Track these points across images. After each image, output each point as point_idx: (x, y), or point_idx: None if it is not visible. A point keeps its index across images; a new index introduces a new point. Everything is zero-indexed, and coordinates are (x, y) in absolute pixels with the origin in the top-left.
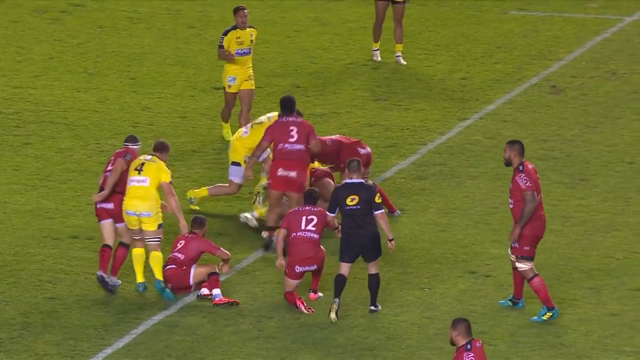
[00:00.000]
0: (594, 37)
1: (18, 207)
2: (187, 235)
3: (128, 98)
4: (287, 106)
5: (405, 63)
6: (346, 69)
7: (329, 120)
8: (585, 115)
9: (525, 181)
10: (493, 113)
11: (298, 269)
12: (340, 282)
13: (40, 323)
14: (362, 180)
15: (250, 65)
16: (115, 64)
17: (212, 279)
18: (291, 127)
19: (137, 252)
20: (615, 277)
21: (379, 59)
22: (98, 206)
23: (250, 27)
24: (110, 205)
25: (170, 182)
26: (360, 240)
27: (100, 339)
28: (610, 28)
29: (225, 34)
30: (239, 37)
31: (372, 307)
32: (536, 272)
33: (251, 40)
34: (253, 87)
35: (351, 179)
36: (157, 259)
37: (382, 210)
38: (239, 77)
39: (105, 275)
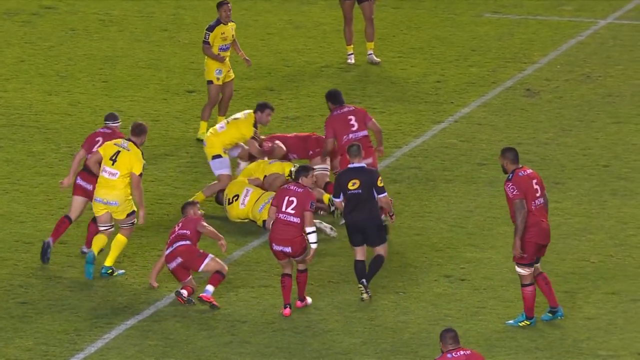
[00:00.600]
0: (569, 40)
1: None
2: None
3: (100, 101)
4: (337, 99)
5: (379, 60)
6: (320, 71)
7: (303, 123)
8: (560, 119)
9: (512, 190)
10: (468, 116)
11: (274, 247)
12: (358, 267)
13: (11, 328)
14: (364, 165)
15: (228, 56)
16: (87, 67)
17: (215, 276)
18: (349, 117)
19: (118, 239)
20: (590, 281)
21: (353, 61)
22: (77, 181)
23: (231, 21)
24: (89, 186)
25: (141, 174)
26: (361, 224)
27: (72, 343)
28: (585, 31)
29: (211, 29)
30: (224, 33)
31: (364, 285)
32: (533, 282)
33: (232, 35)
34: (233, 76)
35: (353, 163)
36: (119, 244)
37: (385, 194)
38: (224, 69)
39: (52, 244)
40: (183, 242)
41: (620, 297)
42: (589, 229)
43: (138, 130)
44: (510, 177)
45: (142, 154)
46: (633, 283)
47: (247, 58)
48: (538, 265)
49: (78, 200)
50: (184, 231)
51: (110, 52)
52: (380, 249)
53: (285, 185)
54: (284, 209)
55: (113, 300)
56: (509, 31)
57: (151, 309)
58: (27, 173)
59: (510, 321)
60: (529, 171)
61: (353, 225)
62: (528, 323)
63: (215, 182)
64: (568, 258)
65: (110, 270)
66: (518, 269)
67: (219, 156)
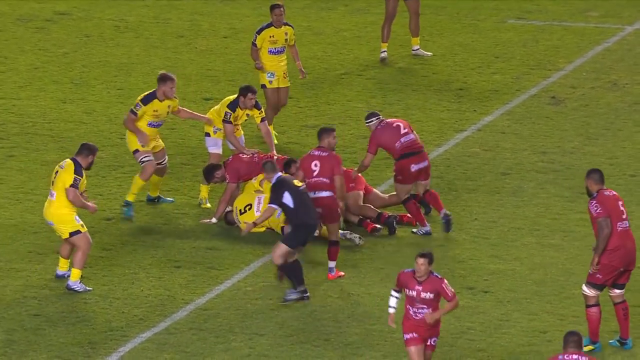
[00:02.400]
0: (595, 47)
1: (2, 221)
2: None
3: (115, 109)
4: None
5: (430, 53)
6: (340, 79)
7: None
8: (586, 127)
9: (595, 208)
10: (491, 124)
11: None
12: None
13: (24, 341)
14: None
15: (286, 62)
16: (101, 74)
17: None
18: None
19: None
20: None
21: (386, 57)
22: None
23: (286, 24)
24: None
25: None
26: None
27: (86, 357)
28: (611, 37)
29: (259, 32)
30: (273, 36)
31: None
32: (598, 303)
33: (285, 39)
34: (288, 84)
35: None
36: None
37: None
38: (277, 72)
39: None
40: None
41: None
42: None
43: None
44: (594, 195)
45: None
46: None
47: (302, 69)
48: (622, 292)
49: None
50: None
51: (126, 59)
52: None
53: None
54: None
55: (128, 313)
56: (533, 37)
57: (167, 322)
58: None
59: None
60: (614, 193)
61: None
62: (592, 348)
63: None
64: None
65: (125, 204)
66: (584, 288)
67: (208, 135)
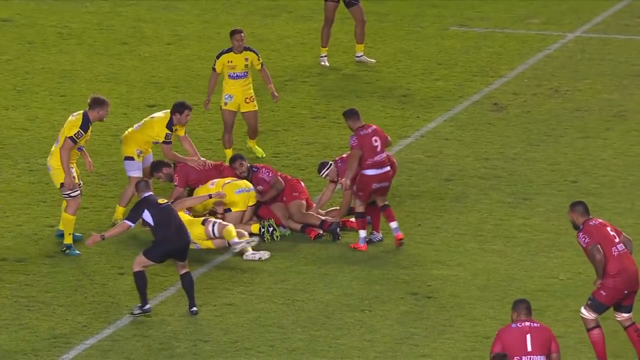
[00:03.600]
0: (536, 54)
1: None
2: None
3: (58, 116)
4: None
5: (373, 60)
6: (284, 85)
7: (267, 138)
8: (528, 133)
9: (583, 239)
10: (434, 131)
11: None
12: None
13: None
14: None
15: (249, 87)
16: (45, 81)
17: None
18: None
19: (62, 216)
20: (559, 299)
21: (327, 64)
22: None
23: (247, 49)
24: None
25: (73, 137)
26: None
27: None
28: (553, 44)
29: (218, 56)
30: (231, 62)
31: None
32: (598, 324)
33: (246, 65)
34: (255, 109)
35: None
36: (64, 221)
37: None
38: (236, 96)
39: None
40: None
41: None
42: (557, 246)
43: (90, 102)
44: (581, 227)
45: (85, 122)
46: None
47: (274, 93)
48: (630, 315)
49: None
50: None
51: (69, 66)
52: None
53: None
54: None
55: (72, 320)
56: (475, 44)
57: (111, 329)
58: None
59: None
60: (600, 220)
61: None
62: None
63: (128, 186)
64: (536, 275)
65: (65, 248)
66: (583, 311)
67: (131, 158)
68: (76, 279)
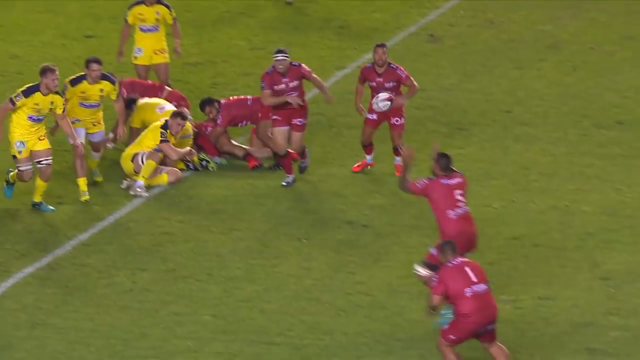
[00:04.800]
0: None
1: None
2: None
3: None
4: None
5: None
6: (222, 17)
7: (205, 69)
8: (463, 64)
9: (421, 184)
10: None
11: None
12: None
13: None
14: None
15: (162, 39)
16: None
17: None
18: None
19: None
20: (492, 226)
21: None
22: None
23: (159, 2)
24: None
25: (12, 97)
26: None
27: None
28: None
29: (130, 7)
30: (142, 14)
31: None
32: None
33: (157, 19)
34: (166, 61)
35: None
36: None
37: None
38: (145, 49)
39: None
40: None
41: (522, 242)
42: (491, 175)
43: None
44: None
45: (30, 89)
46: (534, 228)
47: (178, 49)
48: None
49: None
50: None
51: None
52: None
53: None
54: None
55: (10, 248)
56: None
57: (49, 257)
58: None
59: (439, 320)
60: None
61: None
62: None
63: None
64: (471, 204)
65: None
66: (417, 268)
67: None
68: (14, 207)
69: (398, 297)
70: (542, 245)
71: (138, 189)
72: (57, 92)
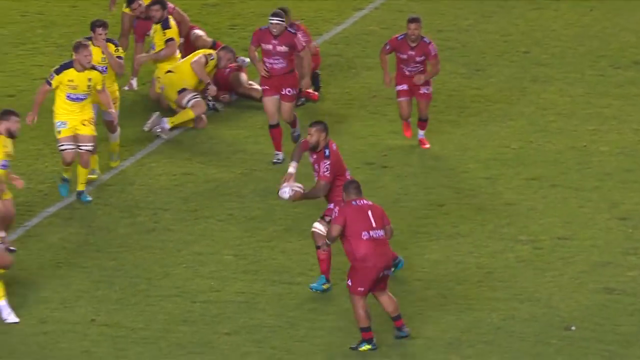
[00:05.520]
0: None
1: None
2: None
3: None
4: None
5: None
6: None
7: (223, 10)
8: (480, 5)
9: (326, 169)
10: (388, 3)
11: None
12: None
13: None
14: None
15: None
16: None
17: None
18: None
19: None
20: (510, 167)
21: None
22: None
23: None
24: None
25: None
26: None
27: None
28: None
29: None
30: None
31: None
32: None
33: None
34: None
35: None
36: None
37: None
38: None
39: None
40: None
41: (540, 183)
42: (509, 116)
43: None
44: (327, 153)
45: None
46: (553, 168)
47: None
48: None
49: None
50: None
51: None
52: None
53: None
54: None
55: (33, 188)
56: None
57: (72, 197)
58: None
59: (314, 284)
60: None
61: None
62: (327, 286)
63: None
64: (489, 145)
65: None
66: (317, 224)
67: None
68: (37, 147)
69: (417, 237)
70: (561, 185)
71: (160, 130)
72: (94, 68)
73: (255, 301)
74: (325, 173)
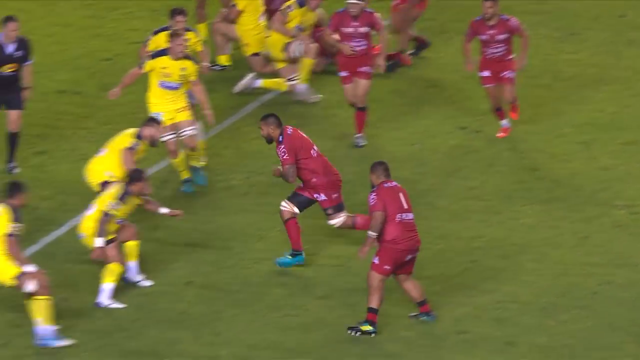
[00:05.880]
0: None
1: None
2: None
3: None
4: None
5: None
6: None
7: None
8: None
9: (283, 153)
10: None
11: None
12: None
13: None
14: None
15: None
16: None
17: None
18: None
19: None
20: (606, 132)
21: None
22: None
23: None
24: None
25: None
26: None
27: None
28: None
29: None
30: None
31: None
32: (294, 216)
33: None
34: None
35: None
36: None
37: None
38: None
39: None
40: None
41: (637, 147)
42: (604, 80)
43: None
44: (281, 139)
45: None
46: None
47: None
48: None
49: None
50: None
51: None
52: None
53: None
54: None
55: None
56: None
57: (167, 160)
58: None
59: (281, 259)
60: (292, 128)
61: None
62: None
63: None
64: (584, 109)
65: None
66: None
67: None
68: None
69: (512, 202)
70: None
71: (300, 92)
72: (189, 58)
73: (349, 265)
74: (284, 157)
